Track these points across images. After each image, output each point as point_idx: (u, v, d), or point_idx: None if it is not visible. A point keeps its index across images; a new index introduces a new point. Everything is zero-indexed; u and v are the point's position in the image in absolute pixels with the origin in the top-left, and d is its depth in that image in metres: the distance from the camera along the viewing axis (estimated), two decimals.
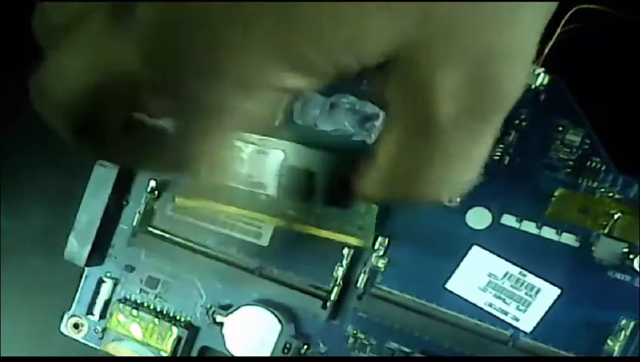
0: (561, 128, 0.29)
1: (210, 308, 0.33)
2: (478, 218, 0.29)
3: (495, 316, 0.29)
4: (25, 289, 0.39)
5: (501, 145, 0.29)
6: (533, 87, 0.29)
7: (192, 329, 0.33)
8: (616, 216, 0.27)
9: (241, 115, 0.18)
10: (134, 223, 0.34)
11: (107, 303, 0.35)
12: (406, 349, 0.30)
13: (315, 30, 0.16)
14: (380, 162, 0.20)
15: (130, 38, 0.17)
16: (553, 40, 0.28)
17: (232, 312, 0.32)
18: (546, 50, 0.28)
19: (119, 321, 0.34)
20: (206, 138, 0.18)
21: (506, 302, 0.29)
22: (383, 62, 0.17)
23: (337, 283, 0.31)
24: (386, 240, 0.30)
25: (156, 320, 0.34)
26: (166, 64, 0.17)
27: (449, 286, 0.29)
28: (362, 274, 0.31)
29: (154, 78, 0.17)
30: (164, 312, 0.34)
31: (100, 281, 0.35)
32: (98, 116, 0.18)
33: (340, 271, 0.31)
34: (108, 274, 0.35)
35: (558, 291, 0.28)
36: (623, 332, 0.27)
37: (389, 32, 0.16)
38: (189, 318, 0.34)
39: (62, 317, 0.35)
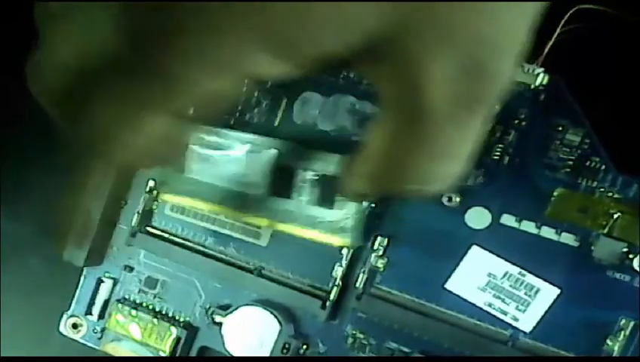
0: (560, 128, 0.29)
1: (209, 308, 0.33)
2: (478, 218, 0.29)
3: (494, 316, 0.29)
4: (24, 289, 0.39)
5: (500, 145, 0.29)
6: (532, 86, 0.29)
7: (191, 330, 0.33)
8: (615, 216, 0.27)
9: (202, 92, 0.18)
10: (133, 223, 0.34)
11: (106, 303, 0.35)
12: (405, 349, 0.30)
13: (299, 11, 0.16)
14: (369, 155, 0.20)
15: (110, 16, 0.17)
16: (553, 40, 0.28)
17: (231, 312, 0.32)
18: (546, 50, 0.29)
19: (118, 321, 0.34)
20: (162, 106, 0.18)
21: (505, 302, 0.29)
22: (372, 50, 0.17)
23: (336, 283, 0.31)
24: (386, 240, 0.30)
25: (155, 320, 0.34)
26: (145, 42, 0.17)
27: (448, 286, 0.29)
28: (361, 274, 0.31)
29: (131, 57, 0.17)
30: (163, 312, 0.34)
31: (99, 281, 0.35)
32: (85, 96, 0.18)
33: (339, 271, 0.31)
34: (107, 275, 0.35)
35: (557, 291, 0.28)
36: (622, 332, 0.27)
37: (374, 14, 0.16)
38: (188, 318, 0.34)
39: (61, 317, 0.35)
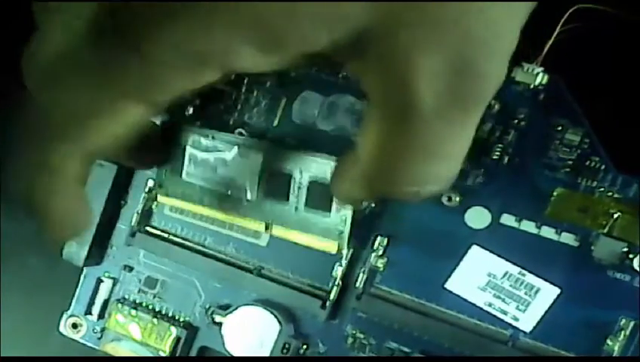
0: (560, 127, 0.29)
1: (209, 308, 0.33)
2: (478, 217, 0.29)
3: (494, 316, 0.29)
4: (23, 289, 0.39)
5: (500, 145, 0.29)
6: (532, 86, 0.29)
7: (191, 329, 0.33)
8: (615, 216, 0.27)
9: (181, 83, 0.18)
10: (133, 223, 0.34)
11: (106, 303, 0.35)
12: (405, 349, 0.30)
13: (290, 5, 0.16)
14: (360, 157, 0.20)
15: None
16: (552, 39, 0.28)
17: (231, 312, 0.32)
18: (546, 50, 0.28)
19: (118, 321, 0.34)
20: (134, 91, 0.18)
21: (505, 302, 0.29)
22: (361, 46, 0.17)
23: (336, 283, 0.31)
24: (385, 239, 0.30)
25: (155, 320, 0.34)
26: (128, 25, 0.17)
27: (448, 285, 0.29)
28: (361, 274, 0.31)
29: (113, 39, 0.17)
30: (163, 312, 0.34)
31: (99, 281, 0.35)
32: (67, 79, 0.18)
33: (338, 271, 0.31)
34: (106, 274, 0.35)
35: (557, 291, 0.28)
36: (622, 332, 0.27)
37: (366, 9, 0.16)
38: (187, 318, 0.34)
39: (60, 317, 0.35)
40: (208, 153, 0.29)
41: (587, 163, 0.28)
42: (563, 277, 0.28)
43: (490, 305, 0.29)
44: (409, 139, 0.18)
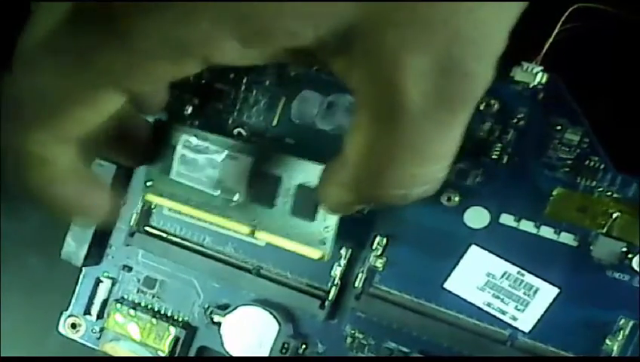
0: (559, 127, 0.29)
1: (208, 307, 0.33)
2: (477, 217, 0.29)
3: (493, 315, 0.29)
4: (22, 289, 0.39)
5: (499, 144, 0.29)
6: (531, 85, 0.29)
7: (190, 329, 0.33)
8: (614, 216, 0.27)
9: (161, 73, 0.17)
10: (131, 223, 0.34)
11: (105, 303, 0.35)
12: (404, 349, 0.30)
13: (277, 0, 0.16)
14: (347, 160, 0.20)
15: None
16: (552, 38, 0.28)
17: (229, 312, 0.32)
18: (545, 49, 0.28)
19: (117, 321, 0.34)
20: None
21: (504, 302, 0.29)
22: (347, 43, 0.17)
23: (335, 282, 0.31)
24: (384, 239, 0.30)
25: (154, 320, 0.33)
26: (112, 10, 0.17)
27: (447, 285, 0.29)
28: (360, 274, 0.31)
29: (96, 22, 0.17)
30: (162, 312, 0.34)
31: (98, 281, 0.35)
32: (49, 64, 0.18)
33: (337, 271, 0.31)
34: (105, 274, 0.35)
35: (556, 291, 0.28)
36: (621, 332, 0.27)
37: (354, 6, 0.16)
38: (186, 318, 0.34)
39: (59, 317, 0.35)
40: (199, 154, 0.29)
41: (586, 162, 0.28)
42: (562, 277, 0.28)
43: (489, 304, 0.29)
44: (396, 140, 0.18)
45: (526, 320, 0.28)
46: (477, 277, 0.29)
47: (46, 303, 0.37)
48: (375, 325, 0.31)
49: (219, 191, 0.29)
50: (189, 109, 0.33)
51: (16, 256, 0.39)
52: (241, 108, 0.33)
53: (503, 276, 0.29)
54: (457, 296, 0.29)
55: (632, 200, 0.27)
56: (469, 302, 0.29)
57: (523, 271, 0.28)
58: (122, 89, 0.18)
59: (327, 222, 0.28)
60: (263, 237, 0.29)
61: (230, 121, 0.33)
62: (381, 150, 0.19)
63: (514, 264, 0.29)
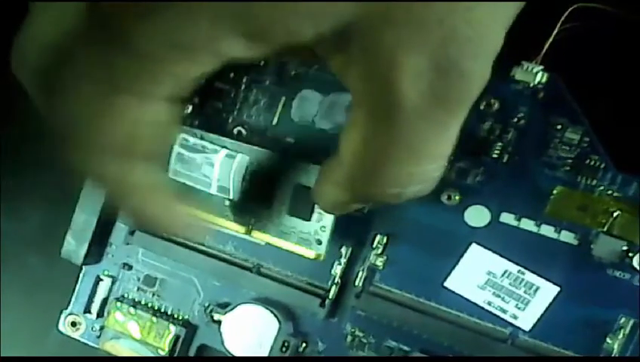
0: (559, 126, 0.29)
1: (208, 306, 0.33)
2: (477, 216, 0.29)
3: (494, 314, 0.29)
4: (23, 287, 0.39)
5: (500, 144, 0.29)
6: (531, 85, 0.29)
7: (190, 328, 0.33)
8: (615, 214, 0.27)
9: (176, 73, 0.17)
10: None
11: (105, 301, 0.35)
12: (405, 347, 0.30)
13: None
14: (342, 158, 0.20)
15: None
16: (552, 38, 0.28)
17: (230, 310, 0.32)
18: (545, 48, 0.28)
19: (117, 320, 0.34)
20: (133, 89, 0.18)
21: (504, 301, 0.29)
22: (344, 40, 0.17)
23: (335, 281, 0.31)
24: (385, 238, 0.30)
25: (154, 318, 0.33)
26: (115, 18, 0.17)
27: (448, 284, 0.29)
28: (360, 272, 0.31)
29: (102, 33, 0.17)
30: (162, 310, 0.34)
31: (98, 280, 0.35)
32: (60, 75, 0.18)
33: (338, 269, 0.31)
34: (105, 273, 0.35)
35: (557, 289, 0.28)
36: (622, 331, 0.27)
37: (353, 4, 0.16)
38: (186, 316, 0.34)
39: (59, 316, 0.35)
40: (196, 153, 0.29)
41: (587, 161, 0.28)
42: (562, 276, 0.28)
43: (489, 303, 0.29)
44: (392, 138, 0.18)
45: (526, 319, 0.29)
46: (477, 276, 0.29)
47: (46, 302, 0.37)
48: (375, 323, 0.31)
49: (215, 190, 0.29)
50: (189, 108, 0.33)
51: (16, 255, 0.39)
52: (241, 107, 0.33)
53: (503, 275, 0.29)
54: (458, 294, 0.29)
55: (633, 199, 0.27)
56: (470, 301, 0.29)
57: (523, 270, 0.28)
58: (141, 95, 0.18)
59: (324, 222, 0.28)
60: (259, 237, 0.29)
61: (230, 120, 0.33)
62: (377, 148, 0.19)
63: (514, 262, 0.29)
